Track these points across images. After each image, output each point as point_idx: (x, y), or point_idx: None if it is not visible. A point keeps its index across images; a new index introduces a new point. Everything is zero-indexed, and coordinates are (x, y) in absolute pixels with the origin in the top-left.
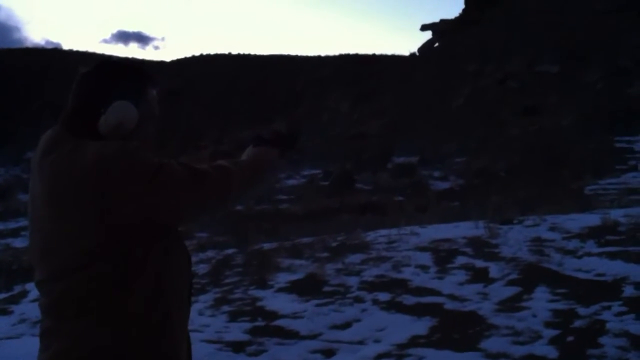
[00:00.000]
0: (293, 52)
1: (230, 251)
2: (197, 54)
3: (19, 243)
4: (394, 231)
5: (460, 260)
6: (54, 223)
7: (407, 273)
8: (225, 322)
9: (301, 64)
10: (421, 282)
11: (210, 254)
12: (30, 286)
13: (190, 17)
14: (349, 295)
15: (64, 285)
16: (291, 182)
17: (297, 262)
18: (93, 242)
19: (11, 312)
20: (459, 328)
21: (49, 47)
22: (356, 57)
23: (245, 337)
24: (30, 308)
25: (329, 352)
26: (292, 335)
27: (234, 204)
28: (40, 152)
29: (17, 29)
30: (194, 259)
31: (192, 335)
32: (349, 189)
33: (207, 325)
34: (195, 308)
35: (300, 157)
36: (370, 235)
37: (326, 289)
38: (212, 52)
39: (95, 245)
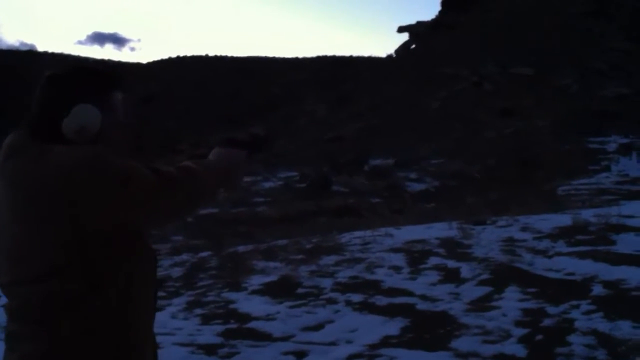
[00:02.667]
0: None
1: (205, 254)
2: (173, 55)
3: None
4: (368, 233)
5: (433, 260)
6: (18, 228)
7: (380, 274)
8: (197, 325)
9: (278, 66)
10: (394, 283)
11: (185, 257)
12: None
13: (167, 18)
14: (322, 297)
15: (29, 291)
16: (268, 184)
17: (272, 264)
18: (59, 250)
19: None
20: (430, 328)
21: (23, 48)
22: (333, 59)
23: (218, 340)
24: None
25: (301, 354)
26: (264, 338)
27: (203, 206)
28: (2, 157)
29: None
30: (168, 262)
31: (164, 338)
32: (326, 191)
33: (179, 329)
34: (168, 311)
35: (277, 160)
36: (345, 237)
37: (300, 290)
38: (189, 54)
39: (61, 253)
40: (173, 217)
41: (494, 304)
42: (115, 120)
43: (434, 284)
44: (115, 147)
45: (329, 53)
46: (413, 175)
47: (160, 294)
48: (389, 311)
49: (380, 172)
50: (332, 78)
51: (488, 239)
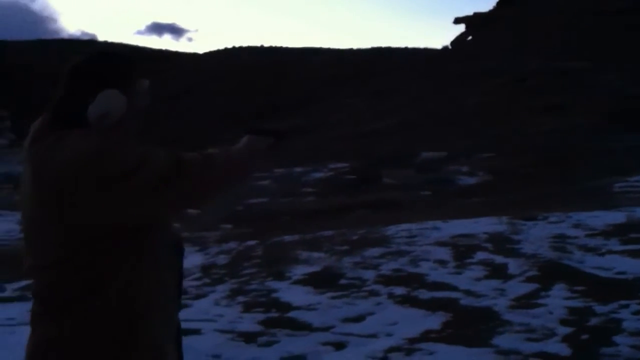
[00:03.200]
0: (324, 45)
1: (251, 243)
2: (229, 45)
3: None
4: (415, 226)
5: (480, 255)
6: (35, 212)
7: (424, 268)
8: (239, 313)
9: (327, 57)
10: (438, 277)
11: (232, 245)
12: None
13: (224, 8)
14: (364, 289)
15: (43, 275)
16: (317, 175)
17: (316, 255)
18: (70, 237)
19: (27, 299)
20: (472, 324)
21: (84, 38)
22: (385, 50)
23: (258, 328)
24: None
25: (340, 345)
26: (304, 327)
27: (226, 193)
28: (28, 141)
29: (52, 20)
30: (215, 249)
31: (205, 325)
32: (375, 183)
33: (221, 315)
34: (211, 298)
35: (321, 152)
36: (391, 230)
37: (342, 282)
38: (244, 44)
39: (64, 244)
40: (188, 204)
41: (539, 301)
42: (138, 108)
43: (479, 279)
44: (130, 134)
45: (383, 44)
46: (463, 169)
47: (205, 280)
48: (431, 305)
49: (430, 165)
50: (383, 68)
51: (538, 235)
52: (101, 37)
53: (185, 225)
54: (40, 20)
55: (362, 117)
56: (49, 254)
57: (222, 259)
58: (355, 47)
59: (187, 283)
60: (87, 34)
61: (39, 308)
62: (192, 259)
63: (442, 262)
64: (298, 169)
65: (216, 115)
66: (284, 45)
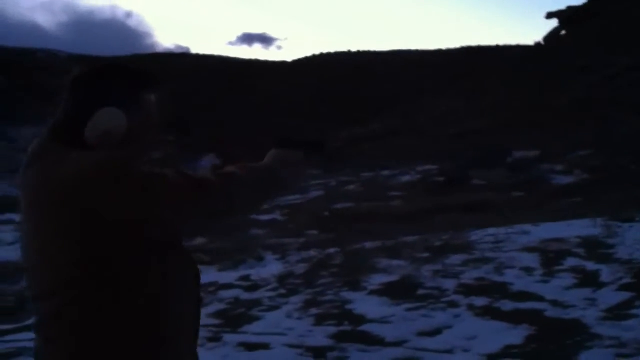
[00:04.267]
0: (412, 47)
1: (332, 250)
2: (317, 52)
3: None
4: (502, 230)
5: (570, 262)
6: (34, 240)
7: (509, 276)
8: (310, 326)
9: (418, 58)
10: (523, 286)
11: (312, 253)
12: None
13: (313, 17)
14: (443, 300)
15: (48, 306)
16: (405, 178)
17: (395, 262)
18: (74, 263)
19: None
20: (558, 338)
21: (179, 51)
22: (475, 49)
23: (329, 343)
24: None
25: None
26: (377, 342)
27: (252, 210)
28: (25, 164)
29: (148, 35)
30: (295, 258)
31: (274, 339)
32: (464, 185)
33: (291, 329)
34: (284, 310)
35: (410, 154)
36: (477, 235)
37: (420, 292)
38: (332, 50)
39: (76, 267)
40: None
41: (634, 312)
42: (145, 124)
43: (568, 288)
44: (142, 150)
45: (472, 43)
46: (558, 169)
47: (280, 291)
48: (514, 317)
49: (522, 165)
50: (474, 67)
51: (635, 238)
52: (194, 50)
53: (270, 231)
54: (137, 35)
55: (452, 117)
56: (57, 278)
57: (300, 268)
58: (444, 47)
59: (262, 294)
60: (181, 47)
61: (40, 343)
62: (271, 268)
63: (529, 270)
64: (385, 172)
65: (308, 119)
66: (371, 49)
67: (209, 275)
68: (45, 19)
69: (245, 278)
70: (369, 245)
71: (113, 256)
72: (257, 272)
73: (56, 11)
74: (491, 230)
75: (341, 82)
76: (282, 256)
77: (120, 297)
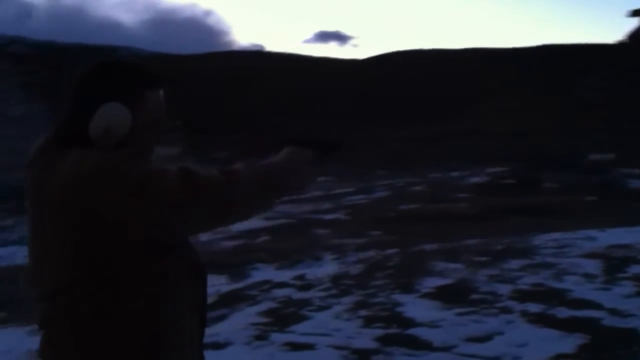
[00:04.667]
0: (487, 45)
1: (390, 251)
2: (393, 50)
3: (204, 236)
4: (567, 235)
5: (634, 269)
6: (35, 240)
7: (568, 282)
8: (357, 328)
9: (494, 56)
10: (582, 293)
11: (370, 254)
12: None
13: (388, 14)
14: (496, 305)
15: (50, 306)
16: (474, 179)
17: (452, 266)
18: (74, 264)
19: None
20: (612, 348)
21: (254, 49)
22: (554, 47)
23: (374, 345)
24: None
25: None
26: (423, 346)
27: (256, 209)
28: (28, 163)
29: (225, 33)
30: (352, 258)
31: (320, 339)
32: (535, 187)
33: (338, 330)
34: (333, 311)
35: (480, 155)
36: (540, 239)
37: (474, 296)
38: (409, 47)
39: (76, 267)
40: (206, 226)
41: None
42: (147, 121)
43: (628, 297)
44: (145, 149)
45: (550, 41)
46: (637, 172)
47: (332, 291)
48: (569, 325)
49: (597, 168)
50: (549, 67)
51: None
52: (269, 48)
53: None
54: (214, 33)
55: (527, 117)
56: (58, 278)
57: (356, 269)
58: (521, 45)
59: (313, 294)
60: (256, 45)
61: (43, 344)
62: (327, 268)
63: (590, 277)
64: (454, 174)
65: (380, 117)
66: (446, 47)
67: (265, 273)
68: (127, 17)
69: (300, 277)
70: (428, 247)
71: (113, 256)
72: (313, 272)
73: (138, 9)
74: (555, 235)
75: (412, 81)
76: (339, 256)
77: (120, 298)
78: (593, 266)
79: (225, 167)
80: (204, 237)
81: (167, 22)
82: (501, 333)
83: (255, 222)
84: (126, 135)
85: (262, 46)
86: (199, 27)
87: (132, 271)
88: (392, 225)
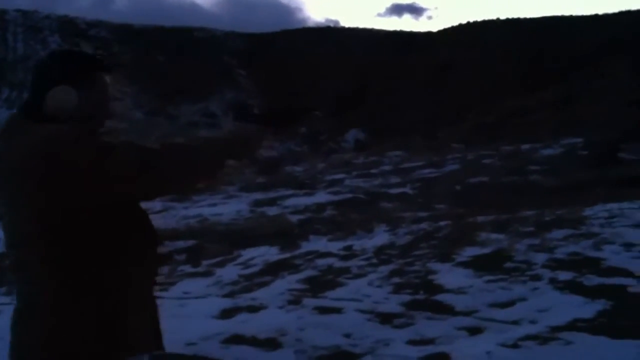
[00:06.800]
0: (571, 13)
1: (443, 223)
2: (471, 20)
3: (274, 211)
4: (622, 205)
5: None
6: (7, 214)
7: (606, 251)
8: (387, 294)
9: (579, 25)
10: (617, 262)
11: (423, 225)
12: (245, 252)
13: None
14: (527, 273)
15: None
16: (547, 152)
17: (494, 236)
18: (30, 220)
19: (212, 275)
20: (633, 314)
21: (329, 24)
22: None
23: (399, 310)
24: (228, 272)
25: (476, 330)
26: (446, 311)
27: None
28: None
29: (299, 10)
30: (404, 230)
31: (349, 304)
32: (612, 159)
33: (368, 296)
34: (369, 278)
35: (564, 126)
36: (593, 210)
37: (507, 265)
38: (485, 18)
39: (38, 227)
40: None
41: None
42: (98, 102)
43: None
44: (94, 123)
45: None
46: None
47: (372, 261)
48: (595, 292)
49: None
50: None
51: None
52: (344, 23)
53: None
54: (289, 11)
55: (625, 87)
56: (23, 244)
57: (403, 240)
58: (624, 9)
59: (354, 263)
60: (331, 20)
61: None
62: (376, 240)
63: (629, 246)
64: (526, 146)
65: (466, 89)
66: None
67: (315, 244)
68: None
69: (348, 248)
70: (481, 219)
71: (56, 223)
72: (362, 243)
73: None
74: (610, 206)
75: (490, 52)
76: (391, 228)
77: (70, 262)
78: (636, 236)
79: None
80: (270, 211)
81: (242, 2)
82: (525, 299)
83: (323, 197)
84: (76, 112)
85: (337, 21)
86: (273, 4)
87: (82, 235)
88: (459, 198)
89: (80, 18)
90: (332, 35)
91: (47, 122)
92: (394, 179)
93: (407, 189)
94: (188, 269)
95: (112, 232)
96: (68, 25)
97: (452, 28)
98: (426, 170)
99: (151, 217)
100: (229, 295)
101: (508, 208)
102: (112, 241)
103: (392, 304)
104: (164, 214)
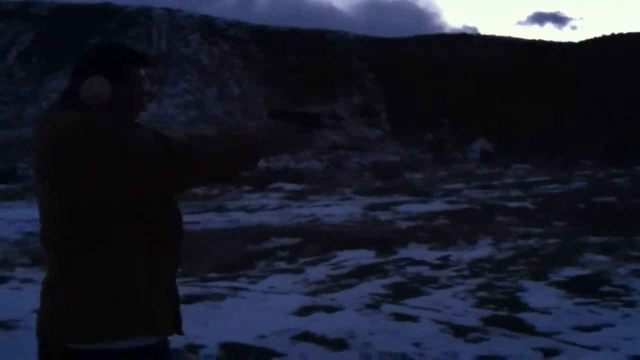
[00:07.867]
0: None
1: (551, 241)
2: (616, 32)
3: (386, 216)
4: None
5: None
6: (40, 192)
7: None
8: (468, 307)
9: None
10: None
11: (530, 242)
12: (341, 254)
13: None
14: (622, 298)
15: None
16: None
17: (600, 258)
18: (62, 214)
19: (302, 272)
20: None
21: (467, 32)
22: None
23: (476, 324)
24: (318, 271)
25: (552, 352)
26: (525, 330)
27: (226, 173)
28: (36, 125)
29: (436, 15)
30: (508, 244)
31: (427, 313)
32: None
33: (449, 307)
34: (454, 290)
35: None
36: None
37: (604, 288)
38: (631, 30)
39: (65, 217)
40: (181, 186)
41: None
42: (134, 93)
43: None
44: (128, 114)
45: None
46: None
47: (464, 272)
48: None
49: None
50: None
51: None
52: (482, 30)
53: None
54: (425, 16)
55: None
56: (57, 225)
57: (503, 254)
58: None
59: (444, 273)
60: (468, 27)
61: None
62: (477, 252)
63: None
64: None
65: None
66: None
67: (412, 252)
68: (341, 2)
69: (444, 258)
70: (593, 239)
71: (92, 209)
72: (460, 255)
73: None
74: None
75: (631, 67)
76: (496, 242)
77: (98, 247)
78: None
79: (198, 135)
80: (383, 216)
81: (379, 5)
82: (612, 325)
83: (437, 205)
84: (110, 102)
85: (475, 28)
86: (409, 9)
87: (120, 221)
88: (579, 217)
89: (220, 18)
90: (464, 43)
91: (83, 109)
92: (515, 192)
93: (526, 203)
94: (282, 265)
95: (136, 217)
96: (208, 25)
97: (594, 39)
98: (550, 186)
99: (266, 213)
100: (312, 293)
101: (625, 231)
102: (136, 225)
103: (471, 318)
104: (279, 211)
